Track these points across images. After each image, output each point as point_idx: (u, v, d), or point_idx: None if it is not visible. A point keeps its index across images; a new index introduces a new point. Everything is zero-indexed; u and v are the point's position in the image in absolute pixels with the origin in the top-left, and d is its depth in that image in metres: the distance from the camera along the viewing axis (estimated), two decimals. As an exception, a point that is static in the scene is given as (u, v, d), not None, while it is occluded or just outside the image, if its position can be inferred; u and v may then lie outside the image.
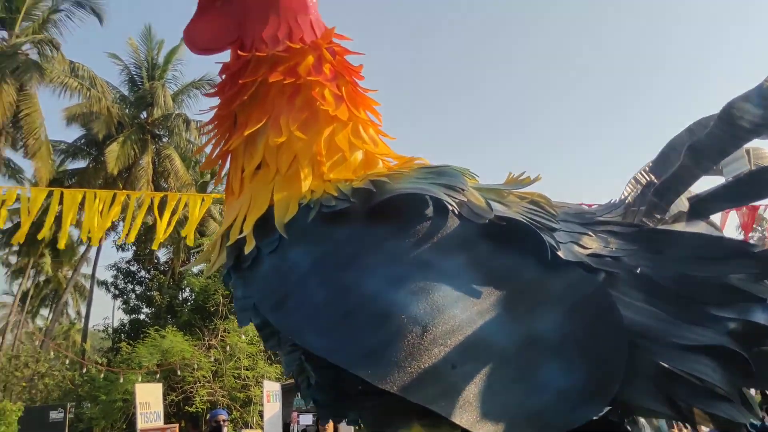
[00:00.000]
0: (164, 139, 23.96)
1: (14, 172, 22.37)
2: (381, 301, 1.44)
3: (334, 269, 1.50)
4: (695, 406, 1.41)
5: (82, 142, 23.62)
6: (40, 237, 8.61)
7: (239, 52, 1.77)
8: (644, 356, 1.42)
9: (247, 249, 1.59)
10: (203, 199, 7.45)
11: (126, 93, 23.86)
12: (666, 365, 1.42)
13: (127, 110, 23.45)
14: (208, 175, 26.58)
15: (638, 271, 1.54)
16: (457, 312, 1.43)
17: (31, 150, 19.57)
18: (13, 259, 27.98)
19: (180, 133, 23.31)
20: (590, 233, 1.62)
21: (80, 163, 23.77)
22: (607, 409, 1.38)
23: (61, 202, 6.91)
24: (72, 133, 23.29)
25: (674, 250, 1.57)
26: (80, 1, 21.51)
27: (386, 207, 1.54)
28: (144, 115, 23.64)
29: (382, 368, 1.38)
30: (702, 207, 1.76)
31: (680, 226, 1.70)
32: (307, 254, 1.53)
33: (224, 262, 1.68)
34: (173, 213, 7.20)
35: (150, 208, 7.82)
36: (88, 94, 21.26)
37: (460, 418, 1.34)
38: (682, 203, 1.76)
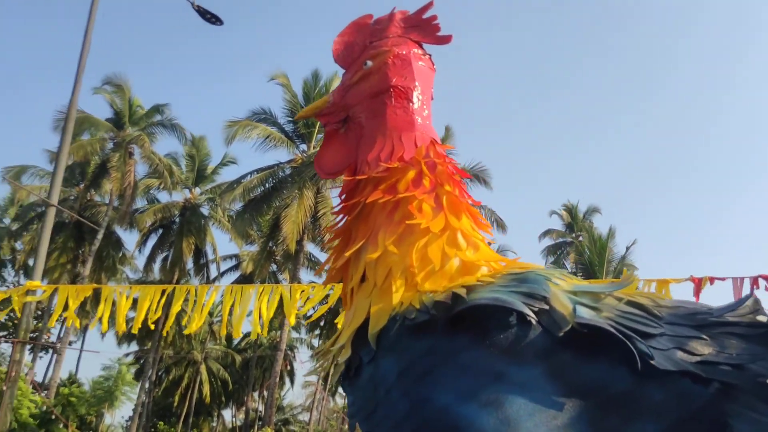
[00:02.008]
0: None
1: (314, 265, 25.66)
2: (450, 415, 1.41)
3: (413, 382, 1.50)
4: None
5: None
6: (336, 321, 9.69)
7: (346, 177, 1.91)
8: None
9: (342, 358, 1.65)
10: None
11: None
12: None
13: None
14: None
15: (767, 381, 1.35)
16: (531, 426, 1.35)
17: (328, 245, 22.29)
18: (315, 342, 31.45)
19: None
20: (704, 336, 1.43)
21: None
22: None
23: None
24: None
25: None
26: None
27: (464, 318, 1.51)
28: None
29: None
30: None
31: None
32: (394, 365, 1.54)
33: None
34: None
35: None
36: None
37: None
38: None
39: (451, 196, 1.80)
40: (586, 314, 1.45)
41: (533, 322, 1.45)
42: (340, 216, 1.92)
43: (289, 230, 21.23)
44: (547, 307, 1.47)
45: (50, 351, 27.69)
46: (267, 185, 23.24)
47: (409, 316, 1.54)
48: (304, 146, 24.30)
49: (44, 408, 15.79)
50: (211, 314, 33.05)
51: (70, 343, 26.51)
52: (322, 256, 25.52)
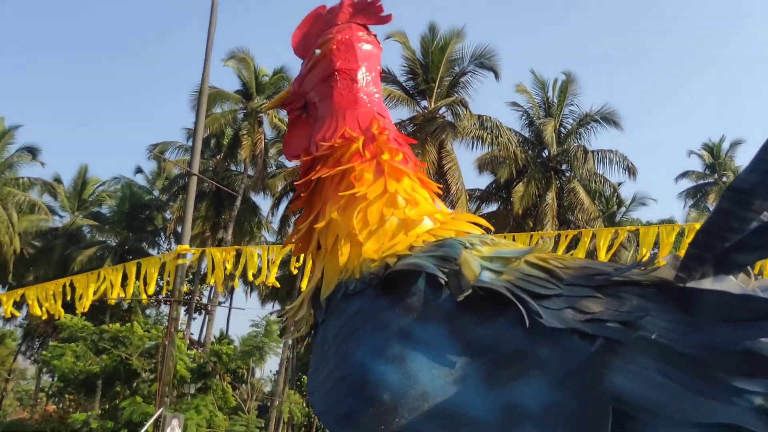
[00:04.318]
0: (567, 174, 24.66)
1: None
2: (361, 369, 1.56)
3: (343, 340, 1.67)
4: None
5: (493, 186, 25.86)
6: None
7: (302, 157, 2.12)
8: None
9: (297, 315, 1.93)
10: (616, 232, 7.60)
11: (527, 135, 25.41)
12: None
13: (529, 151, 24.90)
14: (615, 206, 26.31)
15: (653, 337, 1.38)
16: (429, 379, 1.47)
17: (454, 199, 22.28)
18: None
19: (580, 165, 23.75)
20: (599, 296, 1.49)
21: (493, 207, 26.01)
22: None
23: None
24: (485, 180, 25.80)
25: (698, 311, 1.38)
26: (482, 62, 23.93)
27: (388, 282, 1.67)
28: (546, 153, 24.77)
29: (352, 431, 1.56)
30: (729, 259, 1.39)
31: (707, 283, 1.40)
32: (333, 326, 1.74)
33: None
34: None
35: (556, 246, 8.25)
36: (496, 141, 23.33)
37: None
38: None
39: (390, 162, 1.98)
40: (487, 278, 1.58)
41: (443, 283, 1.58)
42: (299, 193, 2.13)
43: (414, 186, 21.45)
44: (457, 268, 1.60)
45: (203, 312, 30.01)
46: (390, 144, 23.47)
47: (350, 286, 1.74)
48: (424, 102, 24.22)
49: (201, 361, 17.21)
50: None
51: (219, 303, 28.53)
52: (449, 212, 25.55)
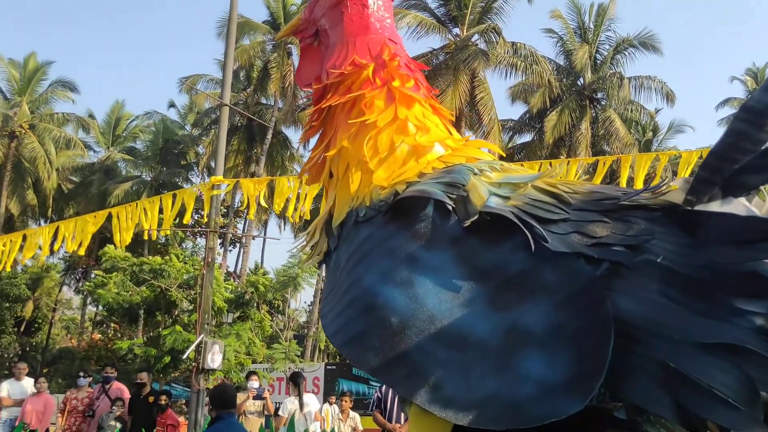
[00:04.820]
0: (602, 102, 24.05)
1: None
2: (370, 293, 1.61)
3: (354, 264, 1.72)
4: (696, 412, 1.27)
5: (526, 117, 25.39)
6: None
7: (314, 85, 2.14)
8: (647, 353, 1.32)
9: (310, 243, 1.98)
10: (657, 157, 7.43)
11: (562, 63, 24.70)
12: (672, 365, 1.29)
13: (564, 79, 24.26)
14: (651, 132, 25.68)
15: (659, 260, 1.37)
16: (435, 303, 1.50)
17: (486, 130, 21.96)
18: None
19: (616, 93, 23.11)
20: (606, 220, 1.48)
21: (527, 137, 25.60)
22: (616, 405, 1.33)
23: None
24: (518, 110, 25.38)
25: (703, 233, 1.36)
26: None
27: (397, 209, 1.70)
28: (581, 81, 24.12)
29: (360, 352, 1.59)
30: (737, 182, 1.34)
31: (715, 206, 1.38)
32: (345, 252, 1.78)
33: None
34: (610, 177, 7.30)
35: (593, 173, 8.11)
36: (531, 69, 22.74)
37: (420, 398, 1.41)
38: None
39: (401, 89, 1.98)
40: (494, 203, 1.59)
41: (450, 208, 1.61)
42: (311, 122, 2.16)
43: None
44: (465, 194, 1.62)
45: (238, 245, 30.54)
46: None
47: (360, 213, 1.79)
48: (456, 30, 23.60)
49: (239, 291, 17.65)
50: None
51: (253, 238, 29.00)
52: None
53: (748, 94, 30.65)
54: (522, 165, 7.75)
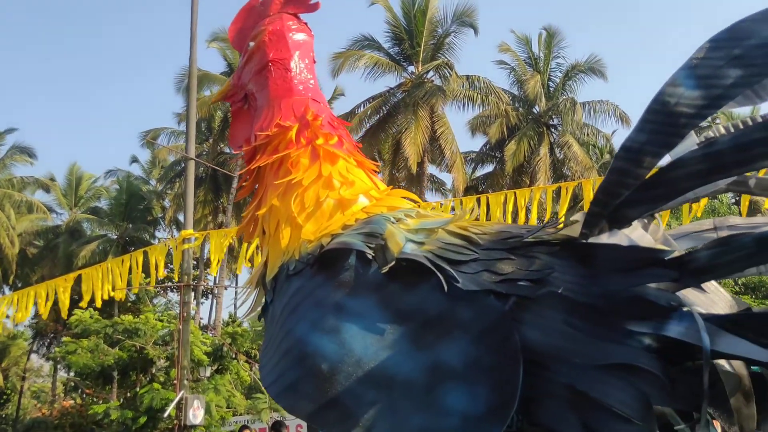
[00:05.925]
0: (559, 128, 24.65)
1: (438, 186, 25.84)
2: (302, 342, 1.70)
3: (286, 316, 1.81)
4: (599, 430, 1.38)
5: (486, 147, 25.84)
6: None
7: (245, 147, 2.24)
8: (555, 378, 1.44)
9: (248, 299, 2.09)
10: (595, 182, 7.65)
11: (516, 92, 25.31)
12: (577, 387, 1.40)
13: (520, 108, 24.84)
14: (608, 154, 26.35)
15: (560, 291, 1.49)
16: (362, 347, 1.59)
17: (449, 164, 22.30)
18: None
19: (570, 119, 23.71)
20: (512, 257, 1.61)
21: (489, 168, 26.03)
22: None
23: (486, 206, 7.93)
24: (479, 142, 25.91)
25: (596, 264, 1.51)
26: (463, 21, 23.74)
27: (323, 261, 1.80)
28: (537, 109, 24.72)
29: (295, 400, 1.71)
30: (619, 215, 1.50)
31: (604, 238, 1.54)
32: (279, 304, 1.88)
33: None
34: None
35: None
36: (487, 101, 23.25)
37: None
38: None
39: (324, 147, 2.10)
40: (409, 249, 1.70)
41: (370, 257, 1.71)
42: (243, 182, 2.26)
43: (411, 151, 21.42)
44: (383, 242, 1.73)
45: (210, 296, 30.17)
46: (381, 112, 23.40)
47: (291, 267, 1.88)
48: (411, 68, 24.11)
49: (216, 343, 17.40)
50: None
51: (225, 288, 28.68)
52: (445, 177, 25.61)
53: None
54: (487, 196, 7.98)
